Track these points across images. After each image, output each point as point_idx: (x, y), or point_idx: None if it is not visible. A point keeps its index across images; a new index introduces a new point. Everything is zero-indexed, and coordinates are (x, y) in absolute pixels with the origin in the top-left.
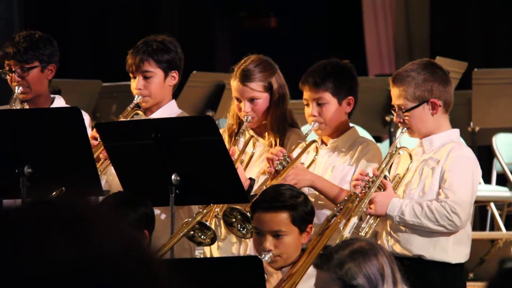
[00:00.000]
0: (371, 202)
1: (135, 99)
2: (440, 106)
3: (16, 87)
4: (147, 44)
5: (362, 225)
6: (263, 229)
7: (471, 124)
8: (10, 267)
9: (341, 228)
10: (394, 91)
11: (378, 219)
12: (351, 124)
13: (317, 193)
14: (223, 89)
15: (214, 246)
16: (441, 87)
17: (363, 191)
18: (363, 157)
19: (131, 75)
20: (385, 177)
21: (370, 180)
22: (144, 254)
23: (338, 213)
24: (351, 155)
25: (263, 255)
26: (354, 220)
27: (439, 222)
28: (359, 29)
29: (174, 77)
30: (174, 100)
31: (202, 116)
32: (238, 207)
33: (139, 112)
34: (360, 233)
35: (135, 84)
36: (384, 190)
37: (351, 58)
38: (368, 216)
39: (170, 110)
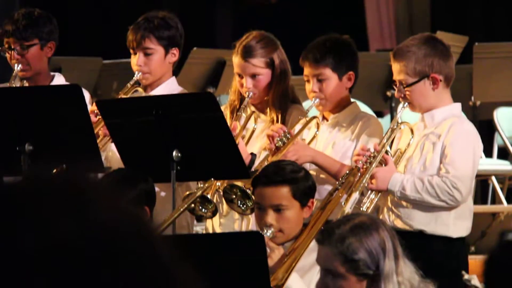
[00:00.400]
0: (372, 177)
1: (135, 75)
2: (441, 80)
3: (16, 65)
4: (148, 20)
5: (364, 200)
6: (264, 203)
7: (472, 98)
8: (9, 241)
9: (343, 203)
10: (395, 66)
11: (380, 194)
12: (352, 99)
13: (318, 168)
14: (224, 65)
15: (216, 223)
16: (442, 62)
17: (365, 166)
18: (364, 132)
19: (131, 51)
20: (386, 152)
21: (372, 155)
22: (145, 231)
23: (339, 187)
24: (352, 130)
25: (265, 231)
26: (355, 195)
27: (440, 197)
28: (359, 4)
29: (174, 54)
30: (174, 77)
31: (203, 92)
32: (238, 183)
33: (139, 89)
34: (361, 208)
35: (136, 60)
36: (385, 165)
37: (351, 33)
38: (370, 191)
39: (170, 87)
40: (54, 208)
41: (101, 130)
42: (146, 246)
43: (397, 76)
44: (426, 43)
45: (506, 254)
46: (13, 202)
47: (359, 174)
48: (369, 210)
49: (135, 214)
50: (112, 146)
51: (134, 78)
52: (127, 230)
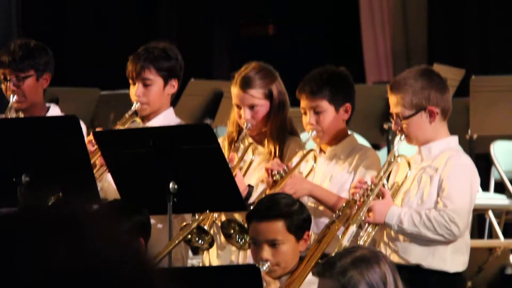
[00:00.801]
0: (369, 210)
1: (133, 106)
2: (437, 113)
3: (11, 96)
4: (148, 51)
5: (361, 233)
6: (259, 238)
7: (469, 131)
8: (7, 274)
9: (340, 236)
10: (392, 99)
11: (377, 227)
12: (349, 132)
13: (316, 201)
14: (221, 97)
15: (213, 255)
16: (438, 95)
17: (362, 199)
18: (361, 165)
19: (130, 81)
20: (383, 185)
21: (369, 188)
22: (141, 261)
23: (336, 220)
24: (349, 163)
25: (261, 265)
26: (352, 228)
27: (437, 231)
28: (357, 37)
29: (173, 86)
30: (172, 108)
31: (200, 124)
32: (235, 218)
33: (137, 119)
34: (358, 241)
35: (134, 90)
36: (382, 198)
37: (349, 66)
38: (367, 224)
39: (167, 118)
40: (51, 239)
41: (98, 159)
42: (142, 276)
43: (394, 108)
44: (422, 75)
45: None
46: (10, 233)
47: (356, 206)
48: (366, 244)
49: (131, 245)
50: (109, 176)
51: (132, 108)
52: (124, 261)
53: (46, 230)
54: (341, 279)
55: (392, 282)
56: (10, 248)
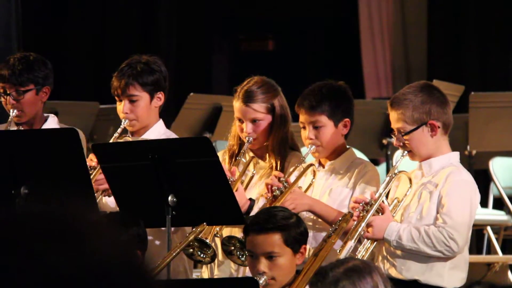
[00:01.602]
0: (368, 225)
1: (122, 123)
2: (439, 127)
3: (11, 110)
4: (131, 67)
5: (359, 248)
6: (256, 251)
7: (468, 147)
8: (5, 281)
9: (338, 250)
10: (393, 115)
11: (375, 242)
12: (348, 146)
13: (315, 217)
14: (220, 111)
15: (215, 265)
16: (439, 109)
17: (361, 214)
18: (360, 179)
19: (116, 98)
20: (383, 200)
21: (369, 203)
22: (140, 268)
23: (332, 233)
24: (348, 177)
25: (258, 278)
26: (350, 243)
27: (436, 247)
28: (356, 53)
29: (160, 98)
30: (161, 120)
31: (199, 137)
32: (235, 235)
33: (128, 138)
34: (357, 256)
35: (121, 107)
36: (382, 213)
37: (348, 81)
38: (365, 239)
39: (157, 131)
40: (49, 244)
41: (93, 184)
42: (140, 283)
43: (395, 124)
44: (422, 90)
45: None
46: (7, 237)
47: (355, 221)
48: (365, 259)
49: (130, 252)
50: (105, 198)
51: (121, 126)
52: (122, 267)
53: (44, 234)
54: None
55: None
56: (7, 252)
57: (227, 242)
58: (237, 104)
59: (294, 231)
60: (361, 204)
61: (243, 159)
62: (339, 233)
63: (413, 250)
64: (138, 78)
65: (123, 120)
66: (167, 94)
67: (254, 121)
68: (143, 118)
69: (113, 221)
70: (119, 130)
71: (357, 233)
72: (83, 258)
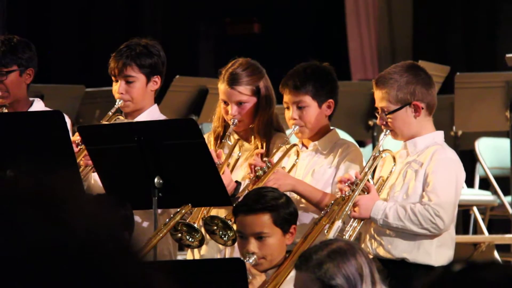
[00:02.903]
0: (355, 205)
1: (116, 103)
2: (422, 108)
3: None
4: (130, 48)
5: (346, 228)
6: (245, 232)
7: (454, 128)
8: None
9: (325, 231)
10: (377, 94)
11: (362, 222)
12: (332, 127)
13: (298, 196)
14: (206, 93)
15: (196, 252)
16: (423, 90)
17: (347, 194)
18: (344, 159)
19: (113, 78)
20: (368, 179)
21: (354, 183)
22: (124, 244)
23: (324, 216)
24: (331, 158)
25: (247, 258)
26: (338, 223)
27: (422, 225)
28: (342, 35)
29: (156, 82)
30: (156, 105)
31: (185, 119)
32: (218, 215)
33: (120, 117)
34: (344, 236)
35: (117, 87)
36: (368, 193)
37: (334, 63)
38: (352, 219)
39: (152, 115)
40: (26, 213)
41: (82, 160)
42: (123, 254)
43: (379, 103)
44: (408, 70)
45: (454, 284)
46: None
47: (343, 205)
48: (352, 238)
49: (112, 222)
50: (94, 175)
51: (115, 106)
52: (104, 237)
53: (21, 203)
54: (317, 272)
55: (369, 274)
56: None
57: (210, 221)
58: (222, 86)
59: (283, 212)
60: (346, 184)
61: (228, 142)
62: (331, 216)
63: (399, 228)
64: (136, 60)
65: (117, 100)
66: (163, 79)
67: (239, 103)
68: (138, 100)
69: (100, 202)
70: (113, 109)
71: (344, 213)
72: (61, 225)
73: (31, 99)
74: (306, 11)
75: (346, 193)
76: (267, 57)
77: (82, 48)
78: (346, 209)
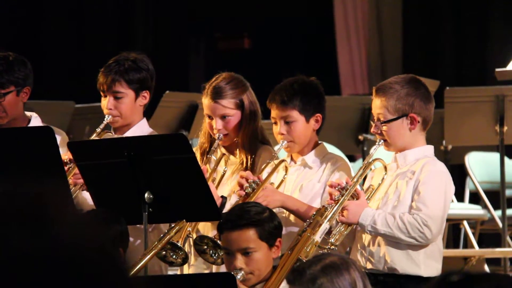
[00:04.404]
0: (343, 209)
1: (105, 119)
2: (419, 122)
3: None
4: (118, 63)
5: (333, 232)
6: (231, 248)
7: (444, 142)
8: None
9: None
10: (376, 101)
11: (349, 227)
12: (320, 142)
13: (287, 213)
14: (196, 109)
15: (186, 268)
16: (422, 104)
17: (337, 198)
18: (332, 173)
19: (101, 93)
20: (359, 186)
21: (344, 188)
22: (113, 257)
23: (307, 228)
24: (320, 172)
25: (235, 274)
26: (325, 225)
27: (410, 233)
28: (332, 50)
29: (145, 97)
30: (145, 119)
31: (175, 134)
32: (207, 235)
33: (109, 133)
34: (330, 239)
35: (106, 103)
36: (357, 199)
37: (324, 78)
38: (340, 223)
39: (141, 129)
40: (13, 224)
41: (71, 179)
42: (107, 262)
43: (376, 111)
44: (409, 83)
45: None
46: None
47: (331, 205)
48: (338, 242)
49: (96, 231)
50: (83, 193)
51: (104, 121)
52: (88, 246)
53: (8, 215)
54: (311, 287)
55: None
56: None
57: (199, 241)
58: (206, 100)
59: (268, 226)
60: (336, 188)
61: (213, 157)
62: (314, 227)
63: (387, 235)
64: (125, 75)
65: (106, 116)
66: (152, 93)
67: (223, 117)
68: (127, 116)
69: (94, 218)
70: (102, 125)
71: (331, 215)
72: (48, 236)
73: (28, 114)
74: (296, 27)
75: (336, 197)
76: (257, 72)
77: (72, 64)
78: (334, 211)
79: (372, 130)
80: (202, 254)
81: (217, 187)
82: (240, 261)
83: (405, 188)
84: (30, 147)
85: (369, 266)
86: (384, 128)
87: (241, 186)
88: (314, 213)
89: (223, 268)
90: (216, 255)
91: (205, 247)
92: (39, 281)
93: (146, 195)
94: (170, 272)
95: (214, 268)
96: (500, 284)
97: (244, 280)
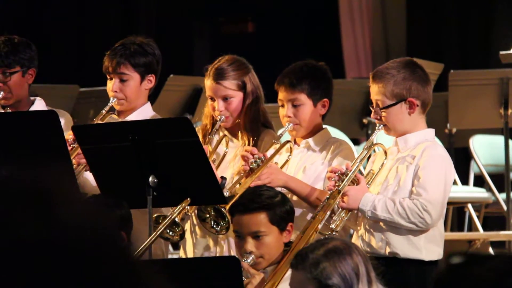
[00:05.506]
0: (344, 195)
1: (110, 101)
2: (417, 105)
3: None
4: (124, 46)
5: (334, 218)
6: (242, 231)
7: (448, 125)
8: None
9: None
10: (373, 87)
11: (350, 212)
12: (325, 126)
13: (289, 193)
14: (200, 92)
15: (190, 251)
16: (420, 87)
17: (337, 184)
18: (335, 157)
19: (107, 76)
20: (359, 172)
21: (344, 173)
22: (115, 241)
23: (320, 210)
24: (324, 155)
25: (245, 258)
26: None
27: (410, 219)
28: (336, 33)
29: (150, 81)
30: (149, 103)
31: (179, 117)
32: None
33: (114, 115)
34: (331, 225)
35: (111, 85)
36: (357, 184)
37: (328, 62)
38: (340, 209)
39: (144, 113)
40: (23, 212)
41: (74, 159)
42: (111, 246)
43: (374, 96)
44: (405, 67)
45: (453, 277)
46: None
47: (331, 191)
48: (338, 228)
49: (100, 215)
50: (85, 173)
51: (109, 104)
52: (92, 230)
53: (13, 200)
54: (313, 271)
55: (365, 273)
56: None
57: (203, 209)
58: (208, 82)
59: (279, 210)
60: (337, 174)
61: (215, 137)
62: (326, 210)
63: (387, 220)
64: (130, 58)
65: (111, 98)
66: (158, 77)
67: (225, 98)
68: (132, 99)
69: (96, 203)
70: (106, 108)
71: (333, 202)
72: (52, 221)
73: (32, 98)
74: (300, 10)
75: (336, 182)
76: (261, 55)
77: (76, 48)
78: (336, 199)
79: (371, 116)
80: (203, 222)
81: (217, 168)
82: (250, 244)
83: (405, 173)
84: (34, 131)
85: (370, 249)
86: (383, 114)
87: (246, 160)
88: (328, 196)
89: (224, 250)
90: (219, 226)
91: (207, 215)
92: (41, 262)
93: (150, 178)
94: (172, 256)
95: (218, 252)
96: (501, 266)
97: (254, 264)
